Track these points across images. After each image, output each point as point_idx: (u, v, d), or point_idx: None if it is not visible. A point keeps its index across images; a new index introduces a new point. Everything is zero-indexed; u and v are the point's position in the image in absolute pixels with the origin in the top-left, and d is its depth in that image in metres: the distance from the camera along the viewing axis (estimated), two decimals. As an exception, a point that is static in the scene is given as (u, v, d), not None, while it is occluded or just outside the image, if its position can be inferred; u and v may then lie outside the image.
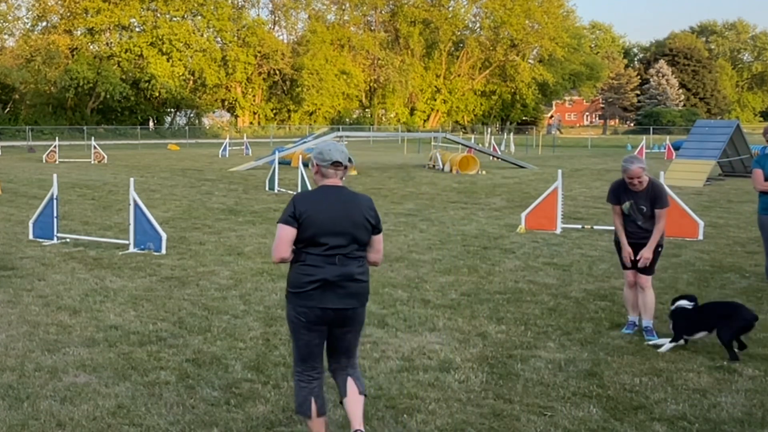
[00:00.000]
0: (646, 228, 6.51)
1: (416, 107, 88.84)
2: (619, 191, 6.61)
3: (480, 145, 41.10)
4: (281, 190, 19.47)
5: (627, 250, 6.56)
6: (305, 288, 4.06)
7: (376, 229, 4.18)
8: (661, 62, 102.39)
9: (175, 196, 18.56)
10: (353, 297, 4.12)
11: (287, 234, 4.04)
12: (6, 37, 65.34)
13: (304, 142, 30.94)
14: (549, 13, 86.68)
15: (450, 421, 4.76)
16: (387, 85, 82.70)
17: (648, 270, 6.57)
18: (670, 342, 6.23)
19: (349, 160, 4.16)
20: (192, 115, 76.26)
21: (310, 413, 4.17)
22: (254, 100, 77.61)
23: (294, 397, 4.33)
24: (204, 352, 6.08)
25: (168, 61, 66.64)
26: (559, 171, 13.30)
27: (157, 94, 66.98)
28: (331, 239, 4.03)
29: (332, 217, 4.04)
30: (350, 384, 4.27)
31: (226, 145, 40.19)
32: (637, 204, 6.52)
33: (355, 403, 4.24)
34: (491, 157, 34.84)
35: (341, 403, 4.31)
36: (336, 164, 4.11)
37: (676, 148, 35.22)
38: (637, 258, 6.52)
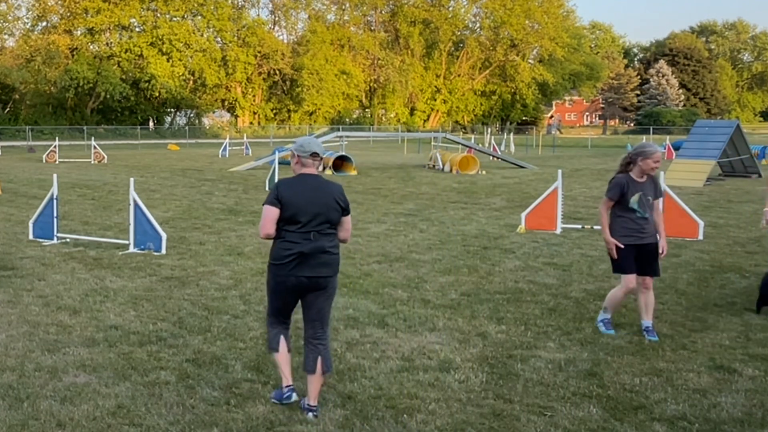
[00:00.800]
0: (651, 221, 6.44)
1: (416, 107, 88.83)
2: (627, 185, 6.36)
3: (480, 145, 41.10)
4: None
5: (614, 242, 6.41)
6: (285, 260, 4.77)
7: (345, 211, 4.89)
8: (661, 62, 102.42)
9: (175, 196, 18.56)
10: (325, 266, 4.82)
11: (272, 213, 4.75)
12: (6, 37, 65.40)
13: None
14: (549, 13, 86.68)
15: (450, 421, 4.77)
16: (387, 85, 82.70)
17: (658, 270, 6.51)
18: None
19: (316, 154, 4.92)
20: (192, 115, 76.26)
21: (278, 348, 4.95)
22: (254, 100, 77.60)
23: (267, 339, 5.14)
24: (204, 352, 6.08)
25: (168, 61, 66.63)
26: (559, 171, 13.30)
27: (157, 94, 66.98)
28: (307, 218, 4.75)
29: (308, 199, 4.77)
30: (319, 363, 4.84)
31: (226, 145, 40.19)
32: (645, 195, 6.37)
33: (316, 381, 4.85)
34: (491, 157, 34.84)
35: (305, 371, 4.90)
36: (314, 155, 4.87)
37: (676, 148, 35.22)
38: (661, 252, 6.44)
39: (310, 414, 4.79)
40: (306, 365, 4.87)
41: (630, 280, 6.43)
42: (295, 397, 4.93)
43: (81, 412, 4.82)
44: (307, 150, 4.87)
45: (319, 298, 4.87)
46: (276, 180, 19.82)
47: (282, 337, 4.95)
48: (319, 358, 4.84)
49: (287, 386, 4.94)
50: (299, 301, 4.91)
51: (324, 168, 26.71)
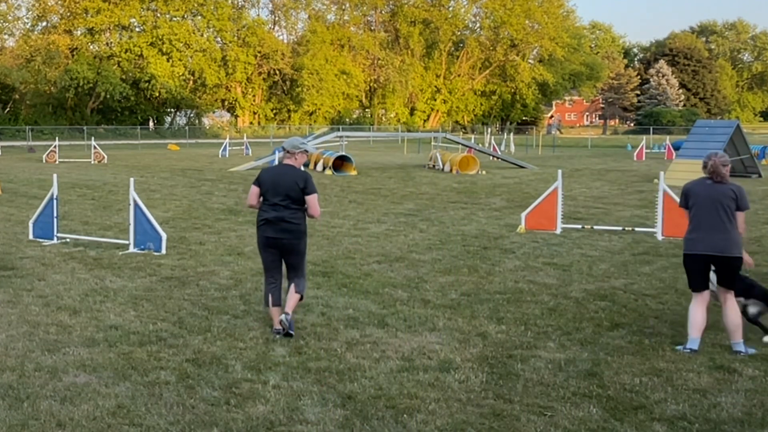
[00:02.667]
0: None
1: (416, 107, 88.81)
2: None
3: (480, 145, 41.09)
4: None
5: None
6: (258, 224, 6.61)
7: (306, 191, 6.44)
8: (661, 62, 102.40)
9: (175, 196, 18.56)
10: (285, 231, 6.49)
11: (254, 190, 6.61)
12: (6, 37, 65.35)
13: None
14: (549, 13, 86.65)
15: (450, 421, 4.76)
16: (387, 85, 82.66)
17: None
18: None
19: (304, 151, 6.68)
20: (192, 115, 76.22)
21: (269, 303, 6.67)
22: (254, 100, 77.57)
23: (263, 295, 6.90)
24: (204, 352, 6.08)
25: (168, 61, 66.60)
26: (559, 171, 13.30)
27: (157, 94, 66.94)
28: (273, 196, 6.48)
29: (275, 181, 6.51)
30: (292, 287, 6.65)
31: (226, 145, 40.17)
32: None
33: (290, 298, 6.59)
34: (491, 157, 34.83)
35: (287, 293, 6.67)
36: (286, 151, 6.64)
37: (676, 148, 35.24)
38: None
39: (283, 317, 6.42)
40: (287, 290, 6.66)
41: (701, 296, 6.43)
42: (279, 335, 6.44)
43: (81, 412, 4.82)
44: (285, 147, 6.68)
45: (290, 256, 6.64)
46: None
47: (270, 295, 6.65)
48: (293, 285, 6.65)
49: (275, 329, 6.53)
50: (281, 262, 6.67)
51: (324, 168, 26.72)
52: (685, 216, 6.51)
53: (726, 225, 6.19)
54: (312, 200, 6.48)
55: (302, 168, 6.72)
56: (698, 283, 6.30)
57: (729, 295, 6.27)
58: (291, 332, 6.39)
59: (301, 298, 6.71)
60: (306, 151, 6.70)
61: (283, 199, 6.43)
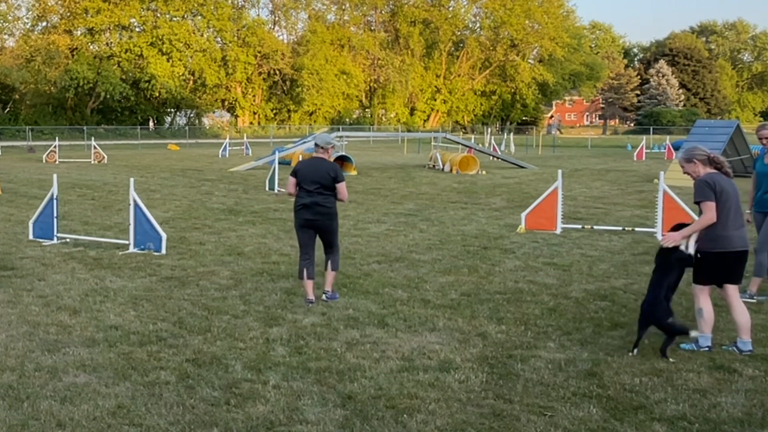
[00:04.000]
0: None
1: (416, 107, 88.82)
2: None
3: (480, 145, 41.09)
4: (281, 190, 19.46)
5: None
6: (297, 208, 7.73)
7: (336, 180, 7.58)
8: (661, 62, 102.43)
9: (175, 196, 18.56)
10: (319, 214, 7.61)
11: (292, 181, 7.78)
12: (6, 37, 65.40)
13: (304, 142, 30.92)
14: (549, 13, 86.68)
15: (450, 421, 4.76)
16: (387, 85, 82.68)
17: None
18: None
19: (333, 146, 7.93)
20: (192, 115, 76.24)
21: (303, 276, 7.69)
22: (254, 100, 77.58)
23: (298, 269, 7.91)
24: (204, 352, 6.08)
25: (168, 61, 66.62)
26: (559, 171, 13.30)
27: (157, 94, 66.97)
28: (308, 184, 7.62)
29: (310, 172, 7.66)
30: (328, 264, 7.84)
31: (226, 146, 40.18)
32: None
33: (328, 275, 7.86)
34: (491, 157, 34.83)
35: (324, 270, 7.95)
36: (318, 146, 7.81)
37: (676, 148, 35.26)
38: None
39: (324, 296, 7.72)
40: (324, 266, 7.90)
41: (707, 291, 6.41)
42: (311, 304, 7.51)
43: (81, 412, 4.82)
44: (317, 143, 7.85)
45: (325, 234, 7.75)
46: (276, 179, 19.87)
47: (305, 269, 7.66)
48: (330, 262, 7.82)
49: (308, 299, 7.60)
50: (316, 239, 7.74)
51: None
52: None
53: (744, 219, 6.35)
54: (341, 187, 7.63)
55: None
56: (715, 279, 6.28)
57: (737, 292, 6.30)
58: (335, 297, 7.81)
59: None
60: (335, 146, 8.12)
61: (317, 187, 7.56)
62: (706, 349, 6.15)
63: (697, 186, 6.17)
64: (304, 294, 7.67)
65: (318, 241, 7.82)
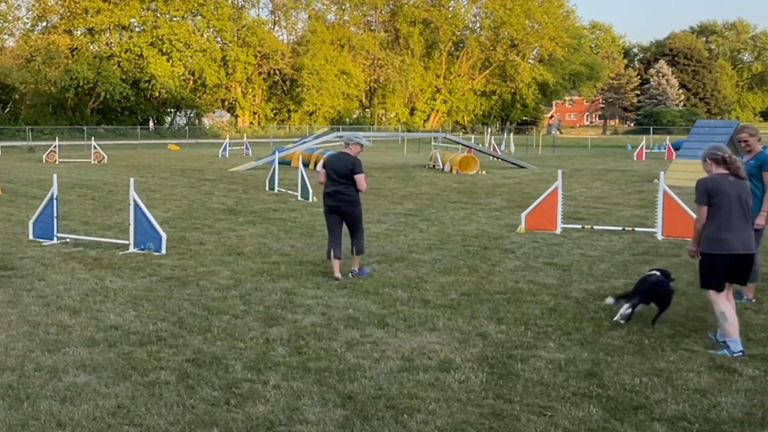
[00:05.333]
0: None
1: (416, 107, 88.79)
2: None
3: (480, 145, 41.08)
4: (281, 190, 19.47)
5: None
6: (324, 196, 8.85)
7: (354, 172, 8.72)
8: (661, 62, 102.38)
9: (175, 196, 18.56)
10: (341, 201, 8.77)
11: (322, 172, 8.89)
12: (6, 37, 65.39)
13: (304, 142, 30.93)
14: (549, 13, 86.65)
15: (450, 421, 4.76)
16: (387, 85, 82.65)
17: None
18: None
19: (357, 143, 9.03)
20: (192, 115, 76.21)
21: (330, 256, 8.79)
22: (254, 100, 77.56)
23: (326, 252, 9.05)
24: (204, 352, 6.08)
25: (168, 61, 66.60)
26: (559, 171, 13.30)
27: (157, 94, 66.95)
28: (334, 174, 8.76)
29: (334, 164, 8.85)
30: (355, 248, 8.88)
31: (226, 145, 40.17)
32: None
33: (354, 259, 8.94)
34: (491, 157, 34.83)
35: (351, 252, 8.97)
36: (348, 144, 8.96)
37: (676, 148, 35.22)
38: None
39: (350, 274, 8.88)
40: (351, 251, 8.91)
41: (723, 295, 6.39)
42: (337, 281, 8.58)
43: (81, 412, 4.82)
44: (346, 141, 9.01)
45: (348, 219, 8.88)
46: (276, 179, 19.86)
47: (332, 250, 8.76)
48: (354, 247, 8.87)
49: (335, 276, 8.68)
50: (341, 225, 8.87)
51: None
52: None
53: (748, 221, 6.25)
54: (359, 178, 8.74)
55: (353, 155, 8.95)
56: (723, 283, 6.23)
57: (731, 290, 6.31)
58: (364, 272, 8.99)
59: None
60: (359, 143, 8.97)
61: (340, 177, 8.70)
62: (740, 354, 6.01)
63: (695, 187, 6.25)
64: (332, 272, 8.74)
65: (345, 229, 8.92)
